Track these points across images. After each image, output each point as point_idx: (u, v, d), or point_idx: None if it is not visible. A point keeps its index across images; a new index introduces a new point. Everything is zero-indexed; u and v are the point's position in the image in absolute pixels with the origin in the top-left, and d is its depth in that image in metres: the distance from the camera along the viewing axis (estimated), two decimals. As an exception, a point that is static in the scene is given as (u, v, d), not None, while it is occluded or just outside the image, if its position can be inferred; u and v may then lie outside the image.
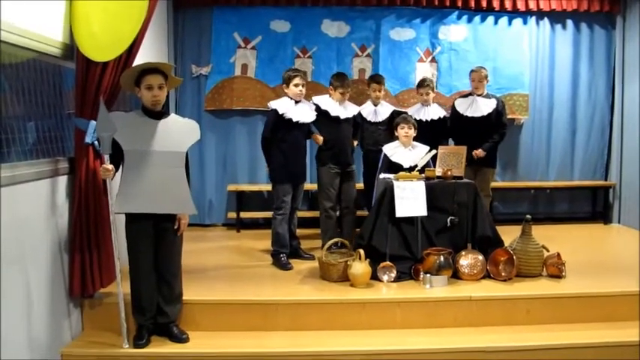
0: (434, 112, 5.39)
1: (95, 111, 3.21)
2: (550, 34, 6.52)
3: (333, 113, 4.75)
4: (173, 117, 3.42)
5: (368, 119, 5.22)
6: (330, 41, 6.27)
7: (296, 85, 4.51)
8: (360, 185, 5.30)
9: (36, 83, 3.01)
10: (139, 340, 3.29)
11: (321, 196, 4.84)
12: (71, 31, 3.27)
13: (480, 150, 5.28)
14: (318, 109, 4.76)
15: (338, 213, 4.92)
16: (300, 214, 5.14)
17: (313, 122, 4.74)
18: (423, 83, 5.42)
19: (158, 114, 3.29)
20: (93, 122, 3.25)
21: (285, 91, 4.58)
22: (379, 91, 5.25)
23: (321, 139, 4.75)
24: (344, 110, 4.81)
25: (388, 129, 5.11)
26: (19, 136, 2.82)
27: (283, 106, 4.50)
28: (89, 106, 3.30)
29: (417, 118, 5.11)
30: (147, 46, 4.09)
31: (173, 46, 6.07)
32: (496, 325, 3.64)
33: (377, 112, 5.25)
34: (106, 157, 3.14)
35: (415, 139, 4.72)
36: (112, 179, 3.17)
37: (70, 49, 3.35)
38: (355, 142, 5.14)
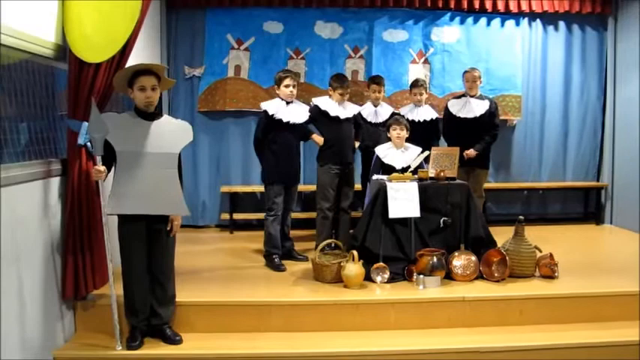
0: (426, 112, 5.40)
1: (88, 112, 3.19)
2: (542, 35, 6.55)
3: (332, 113, 4.76)
4: (166, 118, 3.41)
5: (368, 120, 5.22)
6: (324, 42, 6.27)
7: (286, 86, 4.51)
8: (358, 186, 5.30)
9: (28, 84, 3.00)
10: (132, 342, 3.27)
11: (319, 196, 4.83)
12: (64, 32, 3.25)
13: (471, 150, 5.29)
14: (318, 109, 4.77)
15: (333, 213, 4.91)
16: (294, 215, 5.14)
17: (314, 123, 4.74)
18: (416, 83, 5.44)
19: (151, 115, 3.29)
20: (85, 123, 3.23)
21: (277, 92, 4.58)
22: (379, 92, 5.24)
23: (321, 139, 4.75)
24: (343, 110, 4.82)
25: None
26: (11, 137, 2.80)
27: (274, 106, 4.51)
28: (82, 107, 3.29)
29: (410, 119, 5.13)
30: (140, 47, 4.09)
31: (166, 47, 6.05)
32: (489, 325, 3.65)
33: (377, 112, 5.25)
34: (99, 159, 3.12)
35: (407, 139, 4.72)
36: (104, 180, 3.15)
37: (63, 50, 3.33)
38: (357, 143, 5.14)
